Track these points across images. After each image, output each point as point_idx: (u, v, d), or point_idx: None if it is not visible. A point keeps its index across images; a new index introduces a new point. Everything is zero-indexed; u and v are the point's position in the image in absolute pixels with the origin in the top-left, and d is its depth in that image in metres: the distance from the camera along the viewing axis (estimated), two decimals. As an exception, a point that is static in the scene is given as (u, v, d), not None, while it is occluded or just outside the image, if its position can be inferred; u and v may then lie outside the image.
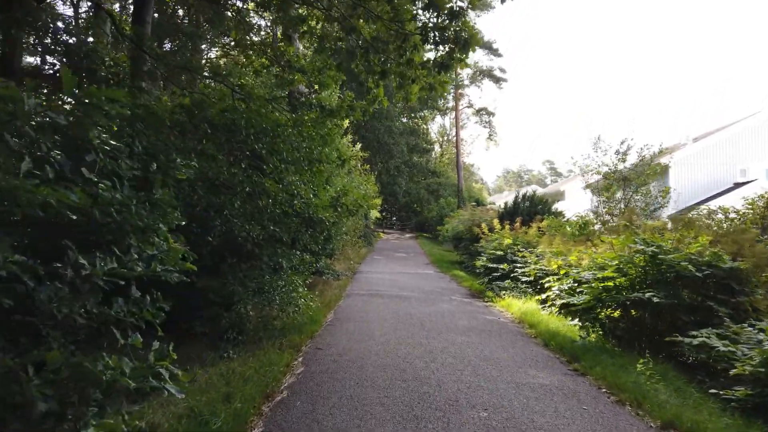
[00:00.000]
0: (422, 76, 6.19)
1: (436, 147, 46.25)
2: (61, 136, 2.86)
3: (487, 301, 9.27)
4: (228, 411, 3.51)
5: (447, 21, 5.41)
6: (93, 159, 3.28)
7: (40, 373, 2.12)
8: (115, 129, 3.47)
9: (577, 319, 6.92)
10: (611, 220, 9.78)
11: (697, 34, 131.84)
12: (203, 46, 16.41)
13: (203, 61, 12.76)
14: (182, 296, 5.57)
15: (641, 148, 10.69)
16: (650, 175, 10.32)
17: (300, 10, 7.76)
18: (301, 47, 10.49)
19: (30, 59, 8.84)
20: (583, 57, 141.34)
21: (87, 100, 2.72)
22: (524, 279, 9.00)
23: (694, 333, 4.68)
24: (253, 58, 9.56)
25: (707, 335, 4.58)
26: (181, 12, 15.60)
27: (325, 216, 6.62)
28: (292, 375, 4.57)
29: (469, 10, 5.87)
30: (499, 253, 10.49)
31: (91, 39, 7.34)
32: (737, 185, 21.09)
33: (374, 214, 30.04)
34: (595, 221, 10.86)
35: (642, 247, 5.55)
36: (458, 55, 5.49)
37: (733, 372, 3.98)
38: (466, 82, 38.90)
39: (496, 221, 12.22)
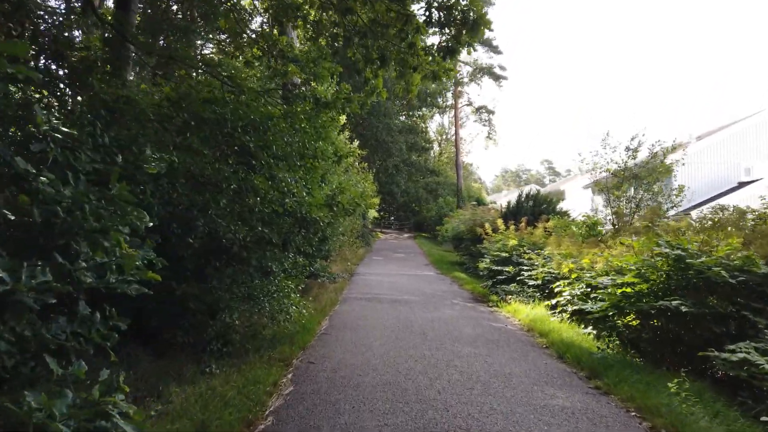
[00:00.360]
0: (425, 63, 5.67)
1: (435, 146, 45.76)
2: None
3: (491, 306, 8.76)
4: (201, 446, 2.99)
5: None
6: (42, 148, 2.75)
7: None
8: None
9: (591, 327, 6.43)
10: (622, 220, 9.28)
11: (695, 29, 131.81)
12: (198, 42, 15.90)
13: (193, 54, 12.21)
14: (165, 303, 5.07)
15: (652, 145, 10.20)
16: (662, 173, 9.84)
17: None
18: (297, 39, 9.94)
19: None
20: (581, 54, 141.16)
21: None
22: (531, 283, 8.49)
23: (732, 347, 4.17)
24: (245, 47, 9.03)
25: (746, 350, 4.08)
26: (175, 7, 15.07)
27: (320, 216, 6.10)
28: (280, 396, 4.04)
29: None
30: (504, 254, 9.98)
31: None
32: (742, 184, 20.70)
33: (372, 213, 29.54)
34: (603, 221, 10.36)
35: (667, 250, 5.04)
36: (466, 38, 4.96)
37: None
38: (466, 79, 38.42)
39: (500, 221, 11.71)
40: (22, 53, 2.36)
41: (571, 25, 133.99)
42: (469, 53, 5.29)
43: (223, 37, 14.93)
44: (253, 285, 5.91)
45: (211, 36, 15.92)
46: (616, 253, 6.59)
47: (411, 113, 35.90)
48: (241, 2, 11.03)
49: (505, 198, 37.71)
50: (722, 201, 15.35)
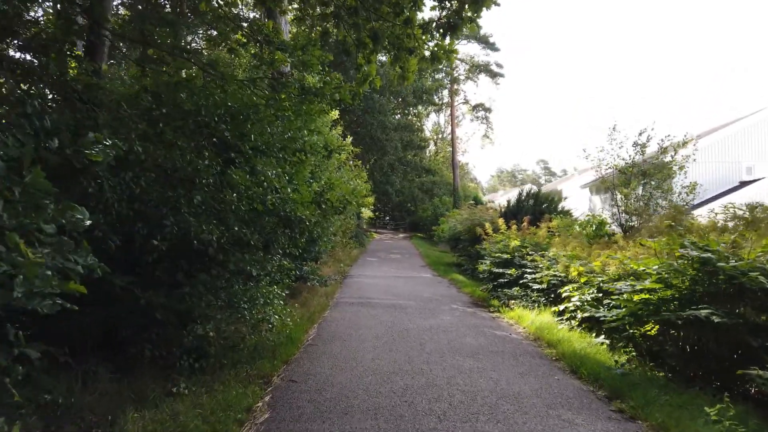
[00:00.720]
0: (422, 44, 5.09)
1: (431, 145, 45.24)
2: None
3: (493, 312, 8.19)
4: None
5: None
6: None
7: None
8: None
9: (604, 336, 5.88)
10: (642, 218, 8.71)
11: (694, 24, 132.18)
12: (189, 38, 15.33)
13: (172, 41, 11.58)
14: (135, 313, 4.47)
15: (662, 140, 9.66)
16: (674, 169, 9.32)
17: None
18: (286, 23, 9.33)
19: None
20: (579, 45, 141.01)
21: None
22: (536, 287, 7.92)
23: (777, 365, 3.62)
24: (229, 33, 8.42)
25: (794, 368, 3.53)
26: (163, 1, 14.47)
27: (306, 214, 5.50)
28: (253, 426, 3.43)
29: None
30: (506, 256, 9.40)
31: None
32: (743, 184, 20.33)
33: (367, 213, 28.94)
34: (609, 221, 9.82)
35: (695, 252, 4.48)
36: (468, 14, 4.38)
37: None
38: (462, 77, 37.93)
39: (501, 221, 11.14)
40: None
41: (567, 17, 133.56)
42: (472, 30, 4.70)
43: (213, 33, 14.35)
44: (233, 291, 5.32)
45: (200, 32, 15.33)
46: (630, 255, 6.04)
47: (407, 111, 35.28)
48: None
49: (502, 198, 37.24)
50: (724, 200, 14.90)
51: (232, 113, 5.12)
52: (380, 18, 4.97)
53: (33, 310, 2.01)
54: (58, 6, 5.80)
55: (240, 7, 12.49)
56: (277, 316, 5.44)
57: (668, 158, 9.44)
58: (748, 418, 3.47)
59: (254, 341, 5.37)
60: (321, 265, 11.37)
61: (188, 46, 15.70)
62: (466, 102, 40.24)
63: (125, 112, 4.42)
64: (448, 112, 40.51)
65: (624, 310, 5.15)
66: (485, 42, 34.46)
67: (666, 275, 4.85)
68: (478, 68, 36.51)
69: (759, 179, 19.94)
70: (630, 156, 9.70)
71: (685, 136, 9.87)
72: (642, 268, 5.28)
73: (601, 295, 6.15)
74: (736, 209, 7.07)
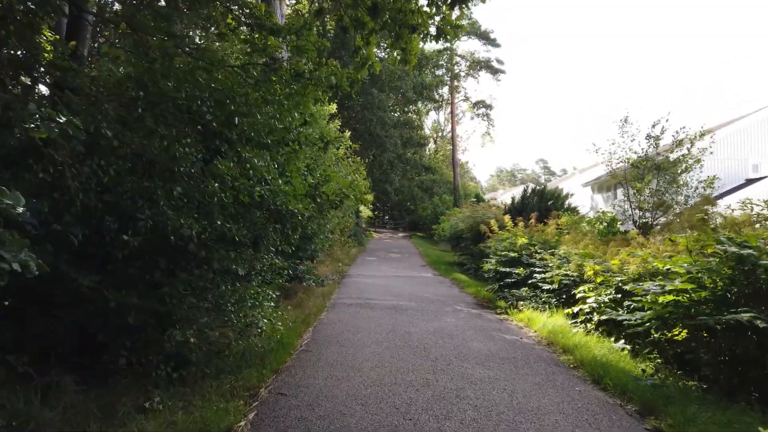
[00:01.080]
0: (426, 19, 4.59)
1: (431, 143, 44.75)
2: None
3: (500, 314, 7.69)
4: None
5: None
6: None
7: None
8: None
9: (623, 341, 5.40)
10: (643, 216, 8.26)
11: (698, 11, 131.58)
12: (187, 32, 14.85)
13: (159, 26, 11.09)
14: (109, 316, 3.98)
15: (677, 131, 9.17)
16: (690, 164, 8.84)
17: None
18: (281, 4, 8.83)
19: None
20: (580, 39, 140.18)
21: None
22: (546, 287, 7.42)
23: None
24: (219, 18, 7.93)
25: None
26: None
27: (298, 208, 5.00)
28: (232, 452, 2.94)
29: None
30: (513, 254, 8.90)
31: None
32: (749, 181, 19.94)
33: (366, 212, 28.45)
34: (620, 218, 9.34)
35: (734, 249, 3.99)
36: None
37: None
38: (463, 73, 37.42)
39: (507, 218, 10.64)
40: None
41: (568, 5, 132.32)
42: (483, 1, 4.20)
43: (206, 24, 13.82)
44: (219, 292, 4.84)
45: (194, 25, 14.83)
46: (652, 251, 5.55)
47: (406, 108, 34.74)
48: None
49: (502, 197, 36.77)
50: (731, 198, 14.47)
51: (216, 98, 4.63)
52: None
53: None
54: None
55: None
56: (266, 320, 4.94)
57: (684, 151, 8.95)
58: (811, 440, 2.97)
59: (241, 347, 4.87)
60: (318, 265, 10.87)
61: (178, 33, 15.20)
62: (467, 99, 39.74)
63: (91, 90, 3.93)
64: (448, 110, 40.02)
65: (650, 312, 4.67)
66: (486, 38, 33.98)
67: (698, 274, 4.36)
68: (478, 64, 36.02)
69: (765, 177, 19.55)
70: (643, 149, 9.20)
71: (701, 127, 9.38)
72: (668, 267, 4.80)
73: (620, 296, 5.67)
74: (753, 204, 6.57)
